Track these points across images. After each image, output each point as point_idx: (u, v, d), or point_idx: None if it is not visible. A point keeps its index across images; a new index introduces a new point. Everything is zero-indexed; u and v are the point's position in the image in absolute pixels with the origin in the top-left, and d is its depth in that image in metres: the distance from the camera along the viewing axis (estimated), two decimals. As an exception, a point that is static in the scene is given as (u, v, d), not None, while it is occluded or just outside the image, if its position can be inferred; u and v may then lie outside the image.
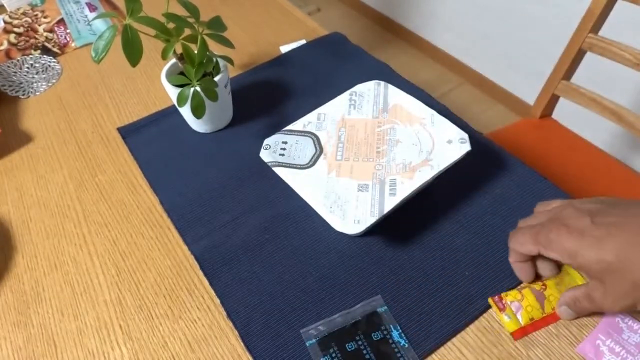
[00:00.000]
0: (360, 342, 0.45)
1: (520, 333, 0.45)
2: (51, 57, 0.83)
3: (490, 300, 0.47)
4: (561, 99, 0.98)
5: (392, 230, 0.54)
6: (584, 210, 0.41)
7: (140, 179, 0.62)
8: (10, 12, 0.92)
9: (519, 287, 0.48)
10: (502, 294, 0.47)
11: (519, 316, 0.46)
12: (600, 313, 0.46)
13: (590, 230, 0.39)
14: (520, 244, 0.45)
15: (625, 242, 0.37)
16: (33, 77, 0.80)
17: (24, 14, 0.91)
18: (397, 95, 0.61)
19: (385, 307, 0.47)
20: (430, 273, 0.50)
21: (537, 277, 0.48)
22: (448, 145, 0.55)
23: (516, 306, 0.46)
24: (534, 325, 0.45)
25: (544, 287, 0.47)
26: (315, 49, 0.79)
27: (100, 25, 0.88)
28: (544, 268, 0.47)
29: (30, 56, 0.83)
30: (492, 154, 0.61)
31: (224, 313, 0.49)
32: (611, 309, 0.41)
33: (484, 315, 0.47)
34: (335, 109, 0.60)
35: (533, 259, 0.47)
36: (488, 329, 0.46)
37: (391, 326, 0.46)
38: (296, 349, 0.45)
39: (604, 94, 0.89)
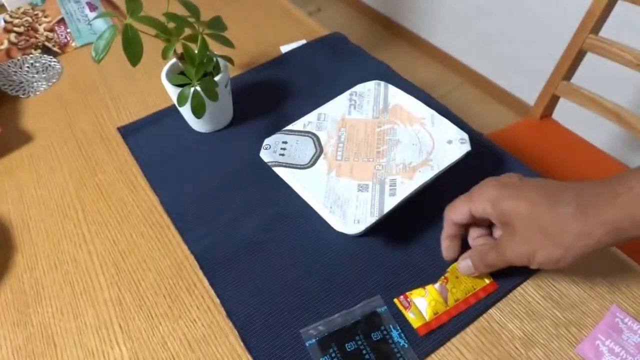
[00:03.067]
0: (360, 342, 0.45)
1: (425, 328, 0.46)
2: (51, 57, 0.83)
3: (395, 301, 0.48)
4: (561, 100, 0.98)
5: (392, 230, 0.54)
6: (515, 175, 0.46)
7: (140, 179, 0.62)
8: (11, 11, 0.92)
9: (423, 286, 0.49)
10: (407, 293, 0.48)
11: (423, 312, 0.46)
12: (594, 310, 0.46)
13: (513, 184, 0.44)
14: (454, 208, 0.47)
15: (538, 195, 0.41)
16: (33, 77, 0.80)
17: (25, 13, 0.91)
18: (397, 96, 0.61)
19: (385, 307, 0.47)
20: (430, 273, 0.50)
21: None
22: (448, 145, 0.55)
23: (420, 302, 0.47)
24: (438, 319, 0.46)
25: (445, 280, 0.48)
26: (315, 49, 0.79)
27: (100, 24, 0.88)
28: (473, 234, 0.49)
29: (31, 56, 0.83)
30: (492, 154, 0.61)
31: (224, 313, 0.49)
32: (512, 252, 0.43)
33: (484, 315, 0.47)
34: (335, 109, 0.60)
35: (460, 237, 0.49)
36: (488, 330, 0.46)
37: (391, 326, 0.46)
38: (296, 349, 0.45)
39: (604, 94, 0.89)
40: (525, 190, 0.42)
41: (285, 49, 0.80)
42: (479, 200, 0.45)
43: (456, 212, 0.47)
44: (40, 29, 0.88)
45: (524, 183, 0.43)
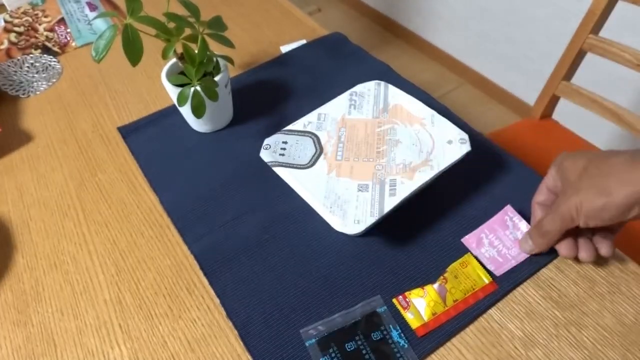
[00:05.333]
0: (359, 342, 0.45)
1: (423, 329, 0.46)
2: (51, 57, 0.83)
3: (394, 301, 0.48)
4: (561, 100, 0.98)
5: (392, 230, 0.54)
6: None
7: (140, 179, 0.62)
8: (11, 11, 0.92)
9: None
10: (406, 292, 0.48)
11: (422, 312, 0.46)
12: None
13: (579, 151, 0.47)
14: (536, 193, 0.51)
15: (597, 153, 0.44)
16: (33, 77, 0.80)
17: (25, 13, 0.91)
18: (397, 96, 0.61)
19: (385, 307, 0.47)
20: (430, 273, 0.50)
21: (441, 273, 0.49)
22: (448, 145, 0.55)
23: (419, 303, 0.47)
24: (436, 319, 0.46)
25: (444, 280, 0.48)
26: (315, 49, 0.79)
27: (100, 24, 0.88)
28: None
29: (31, 55, 0.83)
30: (492, 154, 0.61)
31: (224, 313, 0.49)
32: (564, 207, 0.44)
33: (484, 315, 0.47)
34: (335, 109, 0.60)
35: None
36: (488, 330, 0.46)
37: (391, 326, 0.46)
38: (296, 349, 0.45)
39: (604, 94, 0.89)
40: (588, 152, 0.44)
41: (285, 48, 0.80)
42: (548, 172, 0.48)
43: (537, 194, 0.50)
44: (40, 28, 0.88)
45: (590, 150, 0.46)
